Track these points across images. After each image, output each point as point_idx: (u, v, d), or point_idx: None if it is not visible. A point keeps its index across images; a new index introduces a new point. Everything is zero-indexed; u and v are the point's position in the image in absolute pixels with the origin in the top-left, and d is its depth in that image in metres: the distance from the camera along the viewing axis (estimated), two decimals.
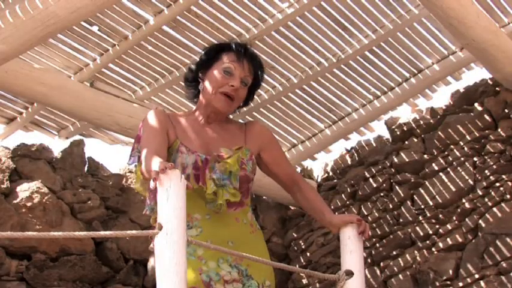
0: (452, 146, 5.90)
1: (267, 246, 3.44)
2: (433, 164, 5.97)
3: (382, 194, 6.19)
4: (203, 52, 3.46)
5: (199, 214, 3.24)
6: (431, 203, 5.90)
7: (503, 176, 5.59)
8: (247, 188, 3.33)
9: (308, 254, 6.50)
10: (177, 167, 3.17)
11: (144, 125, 3.35)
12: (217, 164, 3.25)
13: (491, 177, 5.63)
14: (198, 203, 3.23)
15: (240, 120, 3.56)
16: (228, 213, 3.27)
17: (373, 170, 6.29)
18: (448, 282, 5.64)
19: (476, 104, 5.88)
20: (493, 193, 5.60)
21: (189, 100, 3.56)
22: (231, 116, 3.52)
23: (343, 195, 6.42)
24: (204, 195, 3.22)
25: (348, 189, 6.40)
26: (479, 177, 5.70)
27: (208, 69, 3.39)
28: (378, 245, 6.11)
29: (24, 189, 5.73)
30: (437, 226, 5.83)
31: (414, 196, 6.02)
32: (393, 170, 6.18)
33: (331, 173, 6.64)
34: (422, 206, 5.94)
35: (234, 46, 3.41)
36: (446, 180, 5.86)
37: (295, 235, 6.63)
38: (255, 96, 6.07)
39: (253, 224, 3.35)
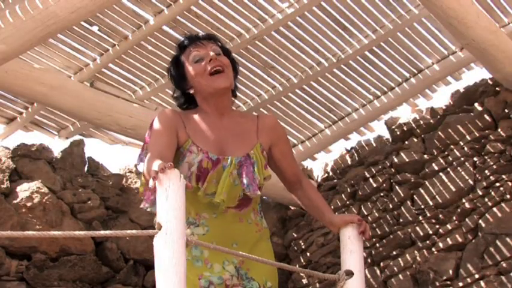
0: (452, 146, 5.90)
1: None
2: (433, 164, 5.97)
3: (382, 194, 6.19)
4: (171, 69, 3.46)
5: (206, 213, 3.26)
6: (431, 203, 5.90)
7: (503, 176, 5.58)
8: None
9: (308, 254, 6.50)
10: (184, 166, 3.22)
11: (151, 128, 3.34)
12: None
13: (491, 177, 5.63)
14: (207, 202, 3.25)
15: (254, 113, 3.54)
16: (234, 213, 3.28)
17: (373, 170, 6.29)
18: (448, 282, 5.64)
19: (476, 104, 5.88)
20: (493, 193, 5.60)
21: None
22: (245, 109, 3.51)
23: (343, 195, 6.42)
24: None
25: (348, 189, 6.40)
26: (479, 177, 5.70)
27: (186, 76, 3.39)
28: (378, 245, 6.10)
29: (24, 189, 5.73)
30: (437, 226, 5.83)
31: (414, 196, 6.01)
32: (393, 170, 6.17)
33: (331, 173, 6.63)
34: (422, 206, 5.93)
35: (185, 42, 3.43)
36: (446, 180, 5.85)
37: (295, 235, 6.63)
38: (255, 97, 6.22)
39: (258, 223, 3.35)
